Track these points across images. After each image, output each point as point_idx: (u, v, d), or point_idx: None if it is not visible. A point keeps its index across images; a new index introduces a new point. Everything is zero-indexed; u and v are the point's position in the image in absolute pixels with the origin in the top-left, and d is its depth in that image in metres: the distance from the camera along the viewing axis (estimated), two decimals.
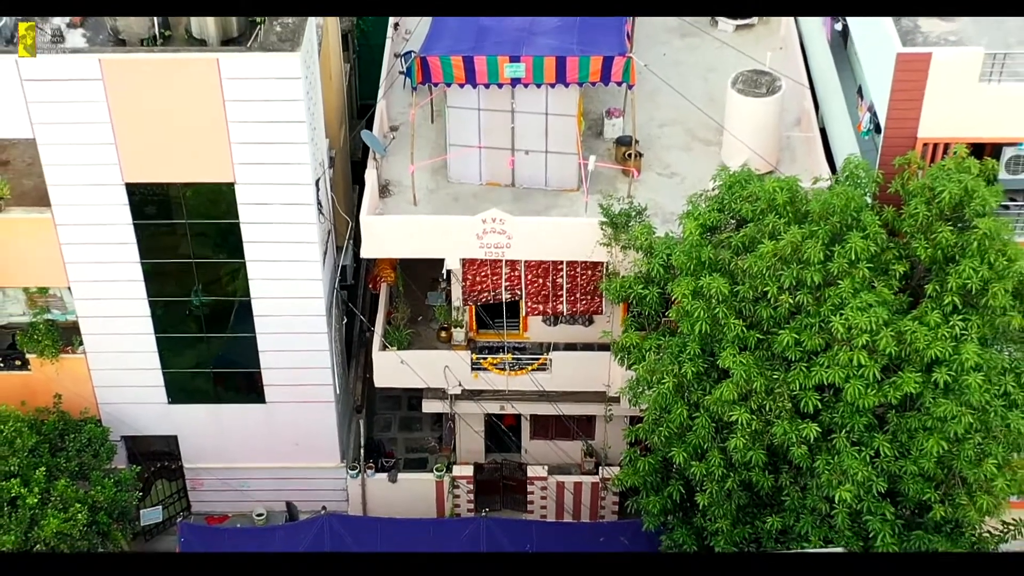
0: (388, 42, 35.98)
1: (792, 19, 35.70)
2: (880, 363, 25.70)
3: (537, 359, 33.25)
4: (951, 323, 25.70)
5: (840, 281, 26.11)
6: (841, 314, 25.67)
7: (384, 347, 33.28)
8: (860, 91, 30.94)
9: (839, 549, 22.31)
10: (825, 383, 26.00)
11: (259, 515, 35.74)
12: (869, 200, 28.14)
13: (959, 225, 26.83)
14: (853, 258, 26.12)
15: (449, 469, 35.51)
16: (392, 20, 36.42)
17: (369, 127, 33.25)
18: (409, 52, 33.14)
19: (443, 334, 33.42)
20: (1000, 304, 25.83)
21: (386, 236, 31.32)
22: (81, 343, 32.96)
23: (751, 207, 27.62)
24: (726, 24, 36.08)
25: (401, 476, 35.66)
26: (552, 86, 30.33)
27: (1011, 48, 28.58)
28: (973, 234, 26.12)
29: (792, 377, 26.20)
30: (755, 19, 36.18)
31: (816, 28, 34.66)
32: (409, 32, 35.44)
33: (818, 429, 26.01)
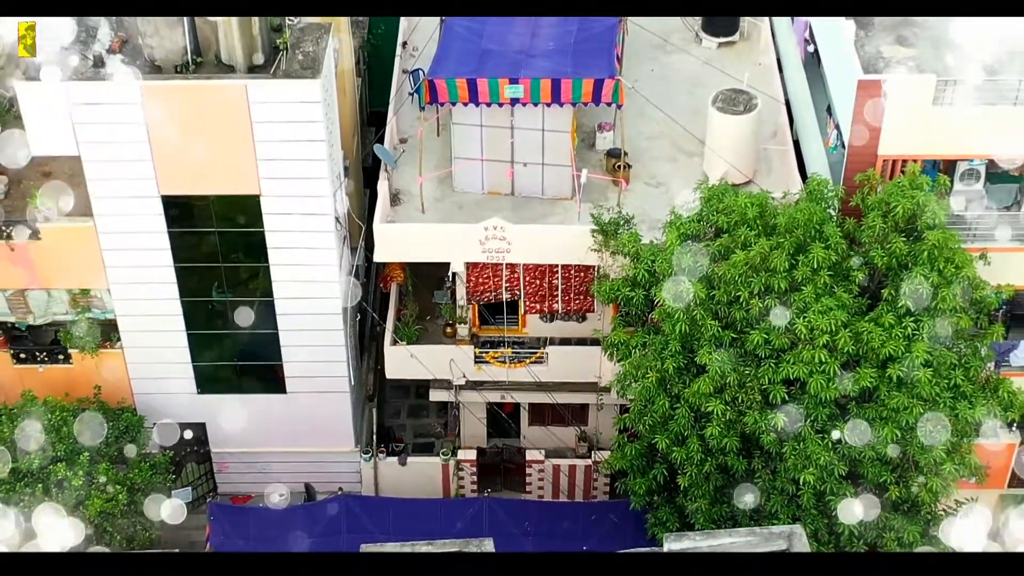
0: (397, 59, 36.45)
1: (771, 38, 36.48)
2: (840, 360, 26.89)
3: (535, 353, 34.05)
4: (904, 324, 26.97)
5: (804, 287, 27.32)
6: (804, 317, 26.89)
7: (395, 342, 33.97)
8: (829, 109, 32.00)
9: (803, 539, 23.66)
10: (791, 377, 27.17)
11: (280, 495, 36.11)
12: (832, 213, 29.20)
13: (912, 236, 28.05)
14: (815, 266, 27.28)
15: (454, 453, 36.15)
16: (400, 39, 37.09)
17: (381, 140, 33.88)
18: (417, 70, 34.09)
19: (448, 330, 34.27)
20: (949, 306, 27.11)
21: (397, 242, 32.25)
22: (119, 339, 33.88)
23: (726, 219, 28.68)
24: (710, 41, 36.75)
25: (410, 460, 36.35)
26: (548, 105, 31.11)
27: (965, 74, 29.54)
28: (924, 244, 27.46)
29: (762, 372, 27.41)
30: (737, 36, 36.80)
31: (792, 48, 35.69)
32: (416, 50, 36.19)
33: (785, 419, 27.03)
